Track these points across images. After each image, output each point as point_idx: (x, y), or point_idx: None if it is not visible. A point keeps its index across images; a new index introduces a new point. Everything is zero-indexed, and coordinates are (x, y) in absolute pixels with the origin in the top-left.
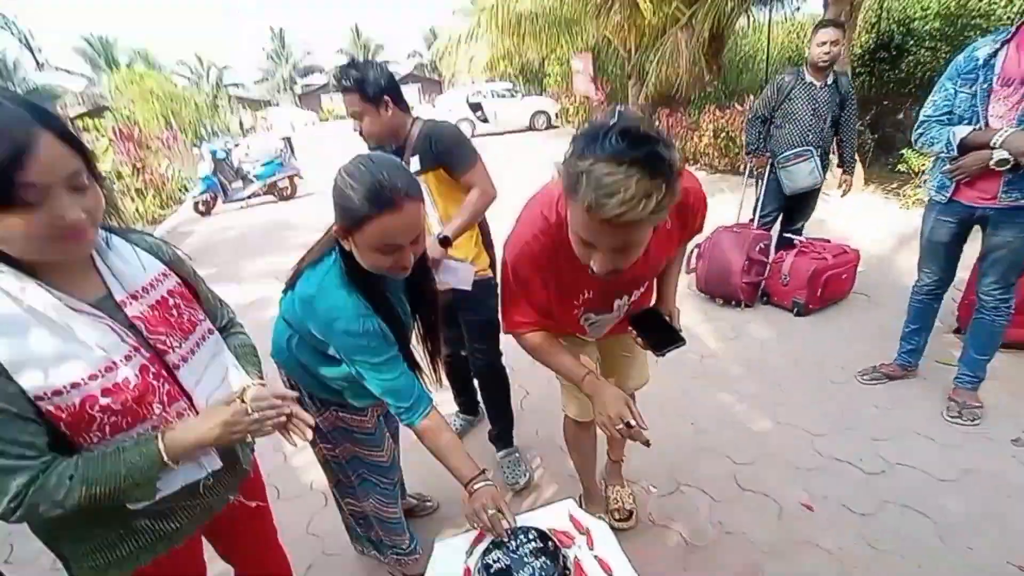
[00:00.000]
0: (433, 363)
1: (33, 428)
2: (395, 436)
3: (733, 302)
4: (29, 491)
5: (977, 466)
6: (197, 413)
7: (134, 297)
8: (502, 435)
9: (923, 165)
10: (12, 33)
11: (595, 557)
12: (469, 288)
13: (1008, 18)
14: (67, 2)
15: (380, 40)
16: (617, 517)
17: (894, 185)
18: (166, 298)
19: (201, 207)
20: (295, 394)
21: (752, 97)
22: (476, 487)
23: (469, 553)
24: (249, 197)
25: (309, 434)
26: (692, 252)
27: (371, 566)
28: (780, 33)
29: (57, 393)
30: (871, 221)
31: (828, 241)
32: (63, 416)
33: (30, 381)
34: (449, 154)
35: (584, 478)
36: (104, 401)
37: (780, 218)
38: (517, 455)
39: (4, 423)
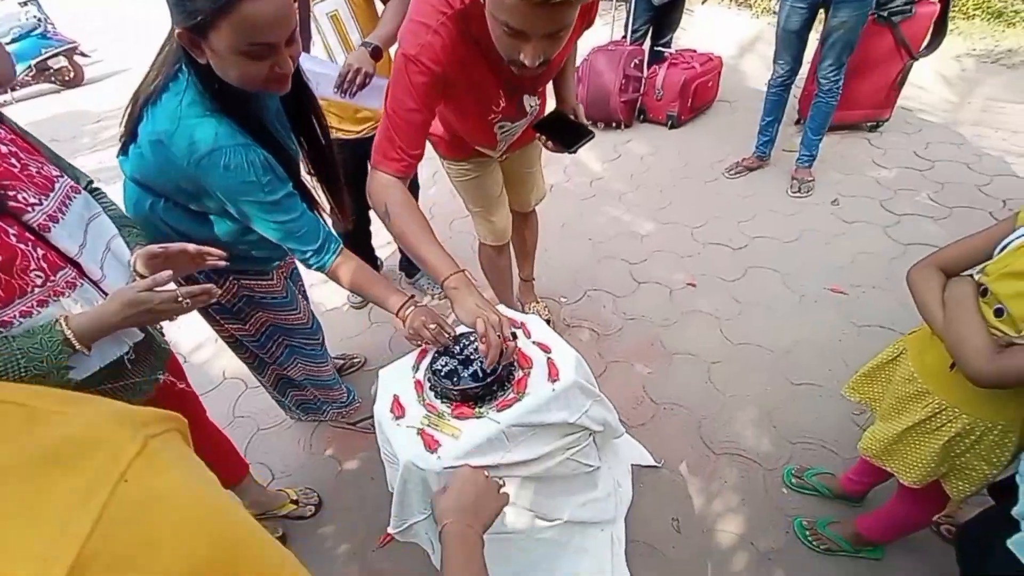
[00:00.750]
0: (331, 195)
1: None
2: (305, 296)
3: (613, 123)
4: None
5: (809, 226)
6: (96, 279)
7: None
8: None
9: None
10: None
11: (533, 343)
12: None
13: None
14: None
15: None
16: None
17: None
18: None
19: None
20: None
21: None
22: (408, 311)
23: (416, 368)
24: (12, 89)
25: (217, 292)
26: None
27: (311, 426)
28: None
29: None
30: (725, 31)
31: (694, 51)
32: None
33: None
34: None
35: (501, 298)
36: None
37: (650, 33)
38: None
39: None
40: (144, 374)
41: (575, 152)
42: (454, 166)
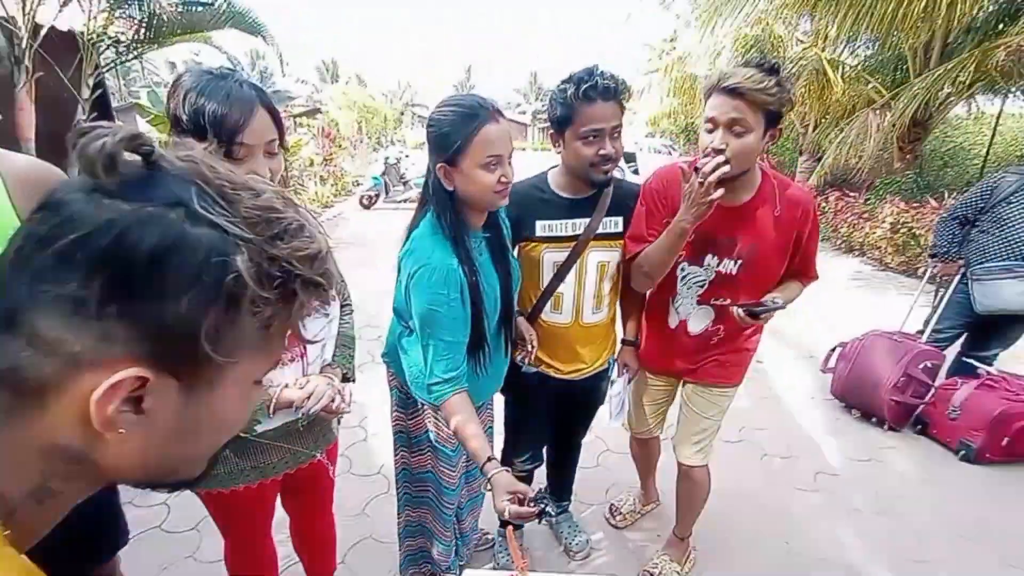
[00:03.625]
0: (505, 332)
1: None
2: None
3: (874, 419)
4: None
5: None
6: (308, 362)
7: None
8: (562, 503)
9: None
10: (271, 46)
11: None
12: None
13: None
14: (318, 38)
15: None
16: None
17: None
18: None
19: (365, 200)
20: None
21: (953, 195)
22: (491, 473)
23: None
24: (405, 201)
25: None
26: (834, 350)
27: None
28: (1012, 127)
29: None
30: None
31: None
32: None
33: None
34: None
35: (642, 479)
36: None
37: (964, 339)
38: (575, 519)
39: None
40: (308, 446)
41: (758, 319)
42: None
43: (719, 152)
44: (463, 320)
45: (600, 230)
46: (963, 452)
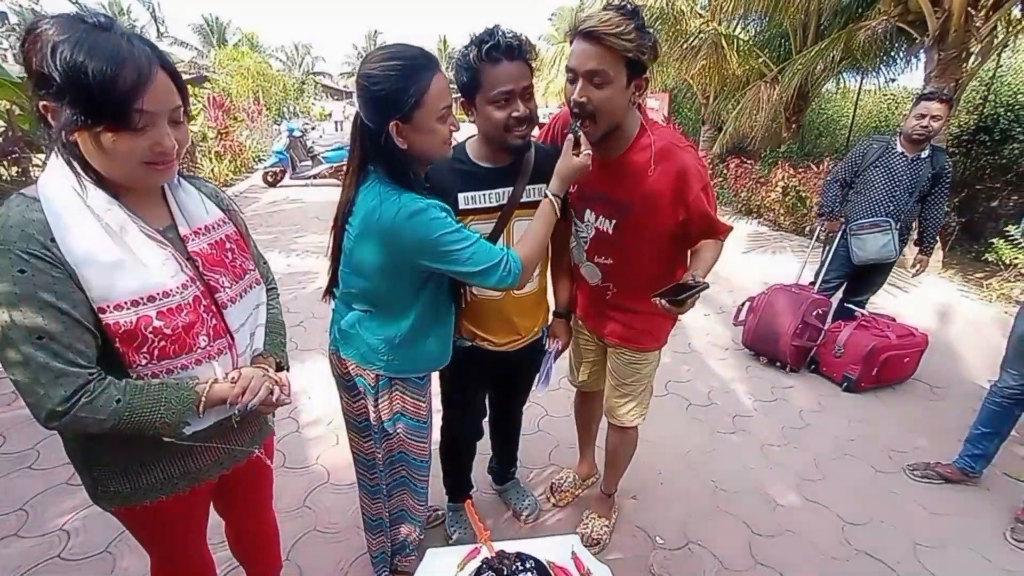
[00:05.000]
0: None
1: (88, 338)
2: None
3: (778, 363)
4: (80, 401)
5: None
6: (237, 353)
7: (196, 233)
8: (508, 472)
9: (1017, 259)
10: (144, 6)
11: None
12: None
13: None
14: None
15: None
16: (582, 542)
17: (978, 275)
18: (223, 241)
19: (269, 178)
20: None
21: (829, 160)
22: None
23: (460, 568)
24: (314, 176)
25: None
26: (743, 305)
27: (358, 548)
28: (869, 101)
29: (118, 308)
30: (943, 307)
31: (893, 319)
32: (119, 332)
33: (97, 291)
34: None
35: (581, 444)
36: (157, 324)
37: (843, 287)
38: (522, 485)
39: (66, 326)
40: (244, 443)
41: (682, 304)
42: None
43: (580, 105)
44: (462, 228)
45: (524, 198)
46: (845, 384)
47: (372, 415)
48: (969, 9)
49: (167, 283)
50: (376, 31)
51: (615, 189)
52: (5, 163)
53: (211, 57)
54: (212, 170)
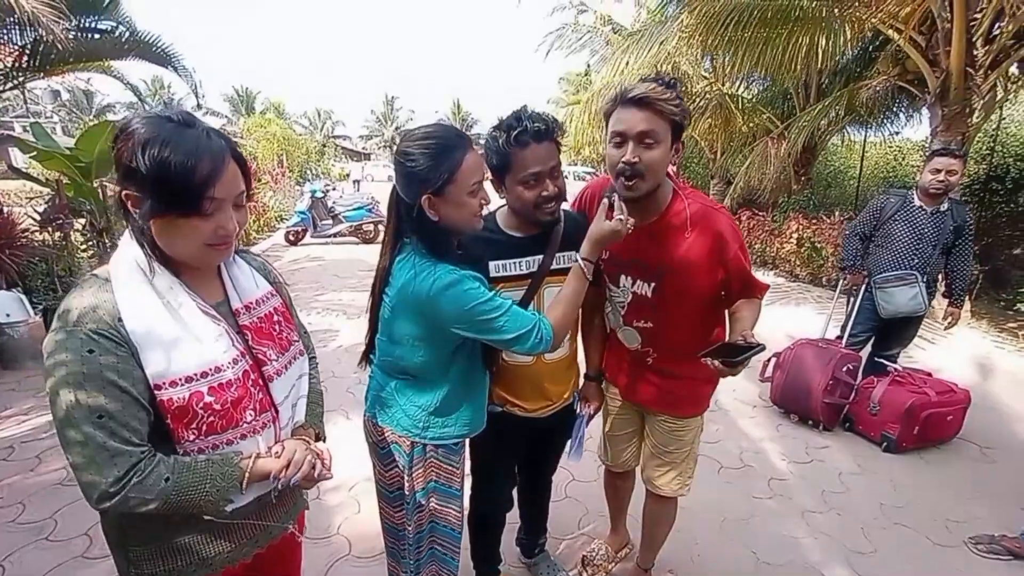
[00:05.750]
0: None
1: (143, 415)
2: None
3: (810, 421)
4: (131, 480)
5: None
6: (280, 426)
7: (247, 308)
8: (538, 543)
9: None
10: (186, 82)
11: None
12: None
13: None
14: (230, 62)
15: (476, 117)
16: None
17: (1010, 324)
18: (271, 314)
19: (291, 236)
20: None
21: (840, 211)
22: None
23: None
24: (335, 235)
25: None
26: (769, 361)
27: None
28: (875, 153)
29: (173, 384)
30: (980, 360)
31: (929, 374)
32: (172, 408)
33: (155, 367)
34: None
35: (612, 516)
36: (208, 399)
37: (871, 340)
38: (552, 558)
39: (124, 404)
40: (280, 519)
41: (739, 365)
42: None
43: (631, 165)
44: (496, 295)
45: (554, 266)
46: (885, 444)
47: (406, 484)
48: (967, 69)
49: (219, 358)
50: (393, 96)
51: (652, 254)
52: (50, 228)
53: (240, 124)
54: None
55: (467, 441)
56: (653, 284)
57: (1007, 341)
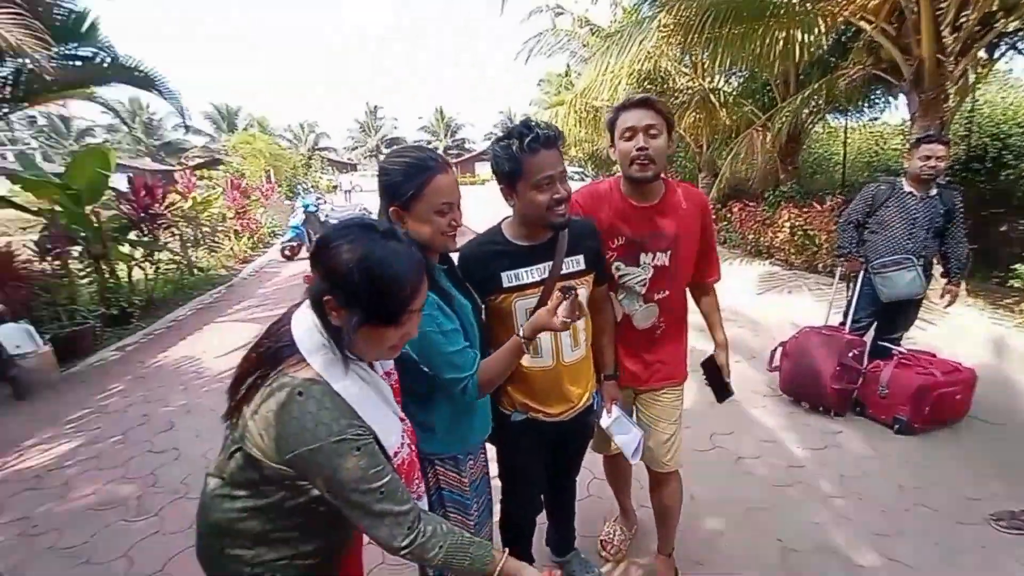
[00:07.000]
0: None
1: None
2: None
3: (820, 408)
4: (422, 530)
5: None
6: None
7: (387, 374)
8: (567, 540)
9: None
10: (172, 104)
11: None
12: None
13: None
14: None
15: (460, 122)
16: None
17: (1007, 300)
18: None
19: (287, 252)
20: None
21: (830, 198)
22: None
23: None
24: None
25: None
26: (776, 350)
27: None
28: (856, 139)
29: (390, 457)
30: (981, 338)
31: (933, 355)
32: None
33: (385, 442)
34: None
35: (618, 498)
36: (403, 458)
37: (873, 325)
38: (583, 556)
39: (392, 474)
40: None
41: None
42: None
43: (644, 151)
44: (455, 331)
45: (564, 271)
46: (897, 426)
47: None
48: (938, 56)
49: (399, 438)
50: (376, 106)
51: (666, 225)
52: (49, 257)
53: (223, 141)
54: (231, 248)
55: (484, 450)
56: (670, 251)
57: (1005, 317)
